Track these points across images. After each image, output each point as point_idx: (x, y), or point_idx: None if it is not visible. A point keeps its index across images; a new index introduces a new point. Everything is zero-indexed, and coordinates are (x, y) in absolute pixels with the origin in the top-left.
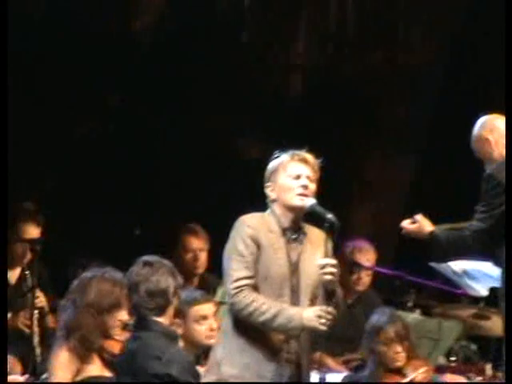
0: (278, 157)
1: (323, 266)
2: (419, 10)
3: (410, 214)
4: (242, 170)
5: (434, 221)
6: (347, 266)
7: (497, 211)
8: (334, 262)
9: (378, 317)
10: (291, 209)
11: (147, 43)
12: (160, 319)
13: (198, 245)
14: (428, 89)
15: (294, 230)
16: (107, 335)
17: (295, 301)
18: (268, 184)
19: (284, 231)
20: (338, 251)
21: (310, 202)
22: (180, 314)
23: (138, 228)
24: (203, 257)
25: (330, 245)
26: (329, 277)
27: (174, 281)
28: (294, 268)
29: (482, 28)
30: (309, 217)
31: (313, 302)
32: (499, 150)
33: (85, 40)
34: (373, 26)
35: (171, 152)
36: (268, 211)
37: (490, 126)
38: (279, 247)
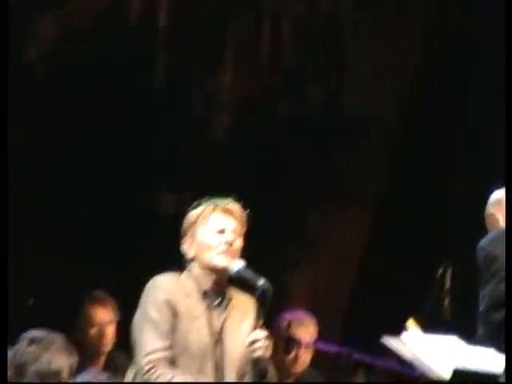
0: (197, 206)
1: (253, 341)
2: (369, 44)
3: (361, 282)
4: (156, 227)
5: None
6: (283, 342)
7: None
8: (264, 334)
9: None
10: (212, 270)
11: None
12: None
13: (104, 317)
14: (379, 140)
15: (217, 293)
16: None
17: (219, 378)
18: (185, 239)
19: (204, 295)
20: (272, 325)
21: (238, 265)
22: None
23: (31, 298)
24: (110, 331)
25: (260, 314)
26: (259, 352)
27: (68, 359)
28: (217, 339)
29: (441, 74)
30: (236, 283)
31: (240, 380)
32: None
33: None
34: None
35: (72, 207)
36: (185, 272)
37: (495, 201)
38: (199, 314)
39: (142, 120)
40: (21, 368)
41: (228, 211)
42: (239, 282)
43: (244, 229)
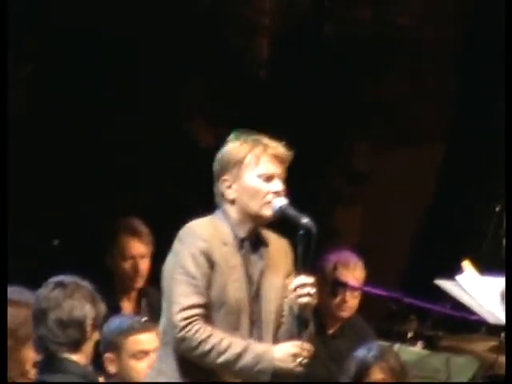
0: (236, 140)
1: (299, 286)
2: None
3: (414, 222)
4: (191, 158)
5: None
6: (328, 285)
7: None
8: (311, 280)
9: (364, 352)
10: (255, 218)
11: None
12: (74, 357)
13: (139, 249)
14: (439, 63)
15: (253, 240)
16: (24, 373)
17: (256, 334)
18: (225, 179)
19: (241, 243)
20: (316, 267)
21: (280, 202)
22: (112, 346)
23: (56, 238)
24: (144, 265)
25: (300, 260)
26: (306, 299)
27: (93, 309)
28: (256, 291)
29: None
30: (276, 221)
31: (275, 335)
32: None
33: None
34: None
35: (102, 133)
36: (218, 215)
37: None
38: (236, 264)
39: (174, 45)
40: (41, 314)
41: (278, 156)
42: (279, 224)
43: (286, 173)
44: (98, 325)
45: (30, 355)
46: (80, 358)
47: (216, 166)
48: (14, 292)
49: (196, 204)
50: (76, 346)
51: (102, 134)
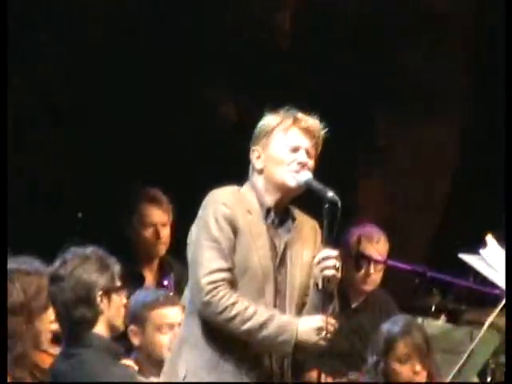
0: (271, 114)
1: (323, 259)
2: None
3: (437, 194)
4: (214, 129)
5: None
6: (352, 259)
7: None
8: (336, 253)
9: (390, 326)
10: (280, 187)
11: None
12: (95, 329)
13: (159, 217)
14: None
15: (280, 212)
16: (39, 347)
17: (280, 304)
18: (255, 148)
19: (267, 212)
20: (340, 240)
21: (305, 176)
22: (137, 319)
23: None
24: (166, 233)
25: (324, 238)
26: (331, 272)
27: (102, 277)
28: (280, 260)
29: None
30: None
31: (298, 311)
32: None
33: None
34: None
35: (125, 99)
36: (247, 185)
37: None
38: (260, 232)
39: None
40: (52, 296)
41: (307, 129)
42: (304, 198)
43: (317, 150)
44: (114, 289)
45: (45, 327)
46: (101, 330)
47: (252, 138)
48: (24, 263)
49: (217, 177)
50: (93, 322)
51: (120, 106)
